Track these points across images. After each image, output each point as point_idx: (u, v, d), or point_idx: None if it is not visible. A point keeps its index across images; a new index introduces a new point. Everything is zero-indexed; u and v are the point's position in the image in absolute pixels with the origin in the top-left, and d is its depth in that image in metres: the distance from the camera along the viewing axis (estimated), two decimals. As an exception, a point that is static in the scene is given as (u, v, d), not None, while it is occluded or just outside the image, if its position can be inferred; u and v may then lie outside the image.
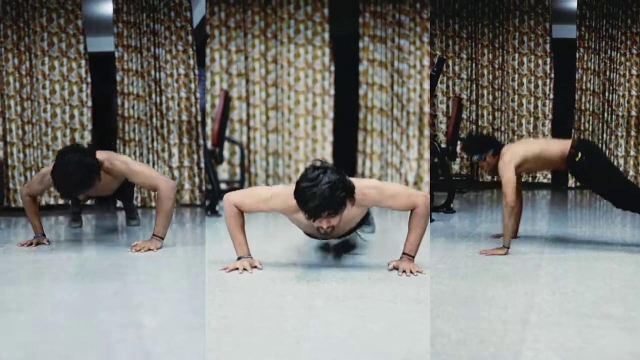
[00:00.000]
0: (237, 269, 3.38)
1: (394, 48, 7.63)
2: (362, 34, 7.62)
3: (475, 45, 7.99)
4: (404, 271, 3.35)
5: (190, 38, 6.41)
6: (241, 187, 7.02)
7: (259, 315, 2.77)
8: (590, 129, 7.74)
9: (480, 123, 7.98)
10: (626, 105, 7.65)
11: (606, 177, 4.21)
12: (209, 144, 6.36)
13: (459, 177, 7.76)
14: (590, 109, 7.74)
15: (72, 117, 6.36)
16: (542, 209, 6.75)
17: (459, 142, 7.16)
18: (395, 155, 7.66)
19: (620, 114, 7.65)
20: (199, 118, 6.42)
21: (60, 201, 6.38)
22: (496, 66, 7.96)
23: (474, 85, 8.00)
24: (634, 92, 7.67)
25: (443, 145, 6.48)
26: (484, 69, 7.99)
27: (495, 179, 7.95)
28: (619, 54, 7.61)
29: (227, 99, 6.40)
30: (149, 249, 4.04)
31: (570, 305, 3.09)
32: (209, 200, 5.70)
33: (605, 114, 7.68)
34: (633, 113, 7.68)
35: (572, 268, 3.82)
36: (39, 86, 6.30)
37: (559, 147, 4.28)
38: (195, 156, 6.47)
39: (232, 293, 3.13)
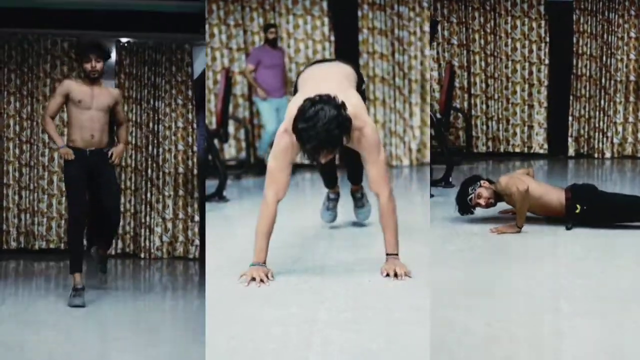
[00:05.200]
0: (253, 279, 3.30)
1: (393, 15, 7.53)
2: (360, 2, 7.50)
3: (465, 8, 7.72)
4: (388, 274, 3.26)
5: (190, 92, 6.59)
6: (247, 161, 7.15)
7: (264, 334, 2.73)
8: (588, 95, 7.55)
9: (472, 91, 7.76)
10: (624, 70, 7.46)
11: (611, 213, 4.12)
12: (214, 124, 6.48)
13: (454, 148, 7.52)
14: (588, 74, 7.54)
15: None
16: (542, 181, 6.54)
17: (451, 112, 6.93)
18: (398, 123, 7.62)
19: (618, 79, 7.46)
20: (195, 171, 6.54)
21: (52, 245, 6.42)
22: (488, 30, 7.72)
23: (465, 51, 7.74)
24: (632, 56, 7.48)
25: (438, 116, 6.24)
26: (475, 34, 7.74)
27: (491, 149, 7.82)
28: (617, 16, 7.41)
29: (228, 77, 6.32)
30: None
31: (601, 289, 2.89)
32: (217, 185, 5.81)
33: (603, 79, 7.49)
34: (632, 78, 7.49)
35: (592, 246, 3.63)
36: (38, 130, 6.43)
37: (557, 196, 4.21)
38: (189, 209, 6.55)
39: (238, 306, 3.06)
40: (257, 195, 6.22)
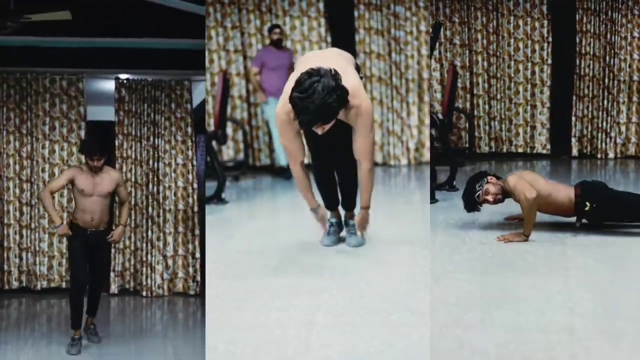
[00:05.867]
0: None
1: (390, 15, 7.54)
2: (357, 3, 7.50)
3: (467, 8, 7.63)
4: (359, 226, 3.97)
5: (189, 129, 6.60)
6: (246, 163, 7.21)
7: (263, 337, 2.75)
8: (591, 95, 7.48)
9: (475, 92, 7.67)
10: (628, 69, 7.37)
11: (621, 212, 4.06)
12: (212, 126, 6.46)
13: (456, 149, 7.44)
14: (591, 74, 7.46)
15: (70, 200, 6.35)
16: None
17: (454, 113, 6.85)
18: (396, 123, 7.62)
19: (621, 79, 7.36)
20: (196, 208, 6.58)
21: (53, 285, 6.38)
22: (490, 30, 7.64)
23: (468, 51, 7.66)
24: (635, 56, 7.39)
25: (440, 116, 6.15)
26: (477, 34, 7.66)
27: (494, 150, 7.74)
28: (620, 15, 7.31)
29: (225, 80, 6.32)
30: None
31: (613, 305, 2.81)
32: (215, 188, 5.85)
33: (606, 79, 7.41)
34: (635, 78, 7.40)
35: (602, 256, 3.55)
36: (38, 169, 6.42)
37: (566, 194, 4.13)
38: (190, 245, 6.56)
39: (236, 309, 3.07)
40: (255, 196, 6.30)
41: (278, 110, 3.49)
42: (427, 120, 7.25)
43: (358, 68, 3.86)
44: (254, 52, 7.38)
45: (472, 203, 4.27)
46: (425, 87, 7.49)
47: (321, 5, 7.44)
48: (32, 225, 6.38)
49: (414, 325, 2.75)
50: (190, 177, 6.54)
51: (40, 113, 6.39)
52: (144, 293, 6.34)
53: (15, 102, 6.36)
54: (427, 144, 7.26)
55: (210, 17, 7.28)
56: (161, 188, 6.49)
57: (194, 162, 6.55)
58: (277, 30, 7.02)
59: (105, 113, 6.88)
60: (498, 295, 2.96)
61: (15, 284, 6.34)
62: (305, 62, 3.63)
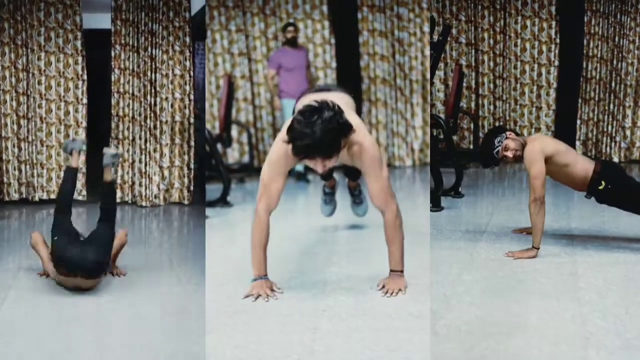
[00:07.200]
0: (252, 295, 3.28)
1: (393, 17, 7.60)
2: (360, 5, 7.57)
3: (474, 6, 7.53)
4: (390, 291, 3.26)
5: (187, 39, 6.47)
6: (251, 165, 7.16)
7: (267, 343, 2.76)
8: (597, 99, 7.37)
9: (480, 92, 7.59)
10: (635, 73, 7.29)
11: (631, 200, 3.98)
12: (217, 129, 6.45)
13: (460, 150, 7.34)
14: (597, 77, 7.37)
15: (67, 113, 6.44)
16: (554, 188, 6.37)
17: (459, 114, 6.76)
18: (400, 124, 7.72)
19: (628, 82, 7.29)
20: (192, 120, 6.51)
21: (52, 196, 6.38)
22: (497, 30, 7.54)
23: (474, 51, 7.56)
24: (644, 60, 7.29)
25: (442, 116, 6.06)
26: (484, 33, 7.56)
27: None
28: (629, 19, 7.22)
29: (230, 83, 6.28)
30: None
31: (629, 334, 2.75)
32: (221, 191, 5.83)
33: (613, 83, 7.32)
34: (642, 82, 7.31)
35: (614, 278, 3.47)
36: (35, 81, 6.38)
37: (584, 168, 4.03)
38: (185, 157, 6.56)
39: (240, 314, 3.07)
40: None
41: (277, 139, 3.25)
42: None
43: (360, 111, 3.75)
44: (259, 55, 7.37)
45: (489, 159, 4.13)
46: (429, 88, 7.53)
47: (325, 8, 7.48)
48: (30, 139, 6.41)
49: (416, 330, 2.76)
50: (187, 88, 6.48)
51: (35, 23, 6.30)
52: (143, 203, 6.43)
53: (9, 12, 6.25)
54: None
55: (215, 21, 7.26)
56: (158, 100, 6.44)
57: (191, 73, 6.48)
58: (291, 28, 6.90)
59: (102, 21, 6.74)
60: (510, 322, 2.88)
61: (15, 196, 6.44)
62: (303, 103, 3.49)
